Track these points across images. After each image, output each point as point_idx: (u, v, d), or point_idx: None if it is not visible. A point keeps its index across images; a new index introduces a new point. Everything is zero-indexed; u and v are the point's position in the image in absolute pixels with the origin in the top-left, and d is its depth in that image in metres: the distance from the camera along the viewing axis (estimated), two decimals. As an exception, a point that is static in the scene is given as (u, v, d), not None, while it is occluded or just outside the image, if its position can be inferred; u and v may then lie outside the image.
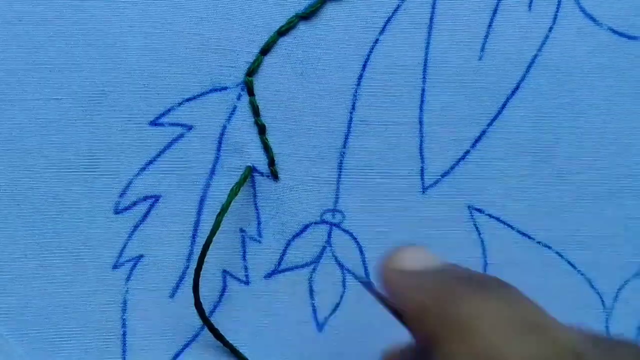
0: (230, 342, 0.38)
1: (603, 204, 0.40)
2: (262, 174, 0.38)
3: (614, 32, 0.38)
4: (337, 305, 0.39)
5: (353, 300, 0.39)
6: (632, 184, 0.40)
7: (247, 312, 0.39)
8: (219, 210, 0.36)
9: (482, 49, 0.38)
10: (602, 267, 0.40)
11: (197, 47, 0.36)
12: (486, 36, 0.38)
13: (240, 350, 0.38)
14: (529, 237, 0.40)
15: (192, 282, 0.37)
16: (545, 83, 0.38)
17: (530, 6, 0.38)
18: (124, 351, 0.38)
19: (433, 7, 0.37)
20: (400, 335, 0.39)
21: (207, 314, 0.38)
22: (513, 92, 0.38)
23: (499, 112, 0.38)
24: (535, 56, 0.38)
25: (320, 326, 0.39)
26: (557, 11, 0.38)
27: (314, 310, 0.39)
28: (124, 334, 0.38)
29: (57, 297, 0.37)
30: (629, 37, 0.39)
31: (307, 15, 0.36)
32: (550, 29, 0.38)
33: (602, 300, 0.41)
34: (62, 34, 0.36)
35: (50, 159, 0.36)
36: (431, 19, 0.37)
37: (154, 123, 0.36)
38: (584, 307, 0.40)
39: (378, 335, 0.39)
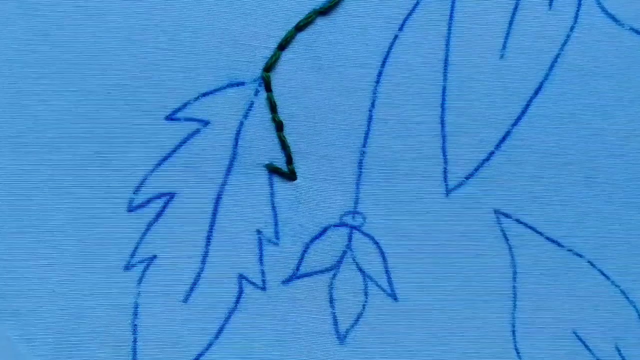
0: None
1: (634, 209, 0.38)
2: (279, 173, 0.37)
3: (636, 32, 0.38)
4: (360, 315, 0.37)
5: (376, 310, 0.37)
6: (665, 189, 0.38)
7: (264, 320, 0.37)
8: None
9: (504, 47, 0.37)
10: (637, 277, 0.38)
11: (215, 41, 0.36)
12: (507, 34, 0.37)
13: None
14: (559, 245, 0.38)
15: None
16: (568, 83, 0.38)
17: (550, 4, 0.38)
18: (134, 359, 0.36)
19: (453, 3, 0.37)
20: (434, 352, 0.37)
21: (222, 321, 0.36)
22: (536, 92, 0.38)
23: (524, 112, 0.37)
24: (558, 55, 0.38)
25: (341, 338, 0.37)
26: (577, 10, 0.38)
27: (335, 321, 0.37)
28: (135, 341, 0.36)
29: (66, 300, 0.36)
30: (653, 37, 0.38)
31: (325, 10, 0.36)
32: (572, 28, 0.38)
33: (639, 313, 0.38)
34: (79, 28, 0.36)
35: (63, 153, 0.36)
36: (451, 15, 0.37)
37: (170, 118, 0.36)
38: (620, 319, 0.38)
39: (406, 352, 0.37)
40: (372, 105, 0.37)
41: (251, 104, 0.36)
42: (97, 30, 0.36)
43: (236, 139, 0.36)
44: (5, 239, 0.36)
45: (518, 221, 0.38)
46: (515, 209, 0.38)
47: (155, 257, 0.36)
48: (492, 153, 0.37)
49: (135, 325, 0.36)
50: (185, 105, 0.36)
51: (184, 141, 0.36)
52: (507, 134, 0.37)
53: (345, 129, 0.37)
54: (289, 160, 0.37)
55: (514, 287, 0.37)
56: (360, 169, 0.37)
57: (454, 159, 0.37)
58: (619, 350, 0.38)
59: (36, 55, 0.36)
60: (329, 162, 0.37)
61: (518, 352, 0.37)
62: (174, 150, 0.36)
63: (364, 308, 0.37)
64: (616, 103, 0.38)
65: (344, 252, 0.37)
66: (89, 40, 0.36)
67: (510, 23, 0.37)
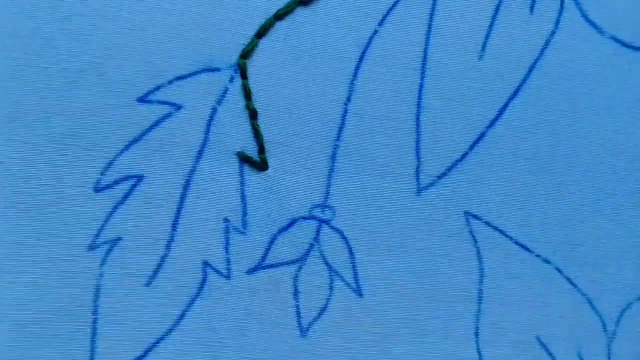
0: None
1: (605, 218, 0.38)
2: (250, 162, 0.36)
3: (616, 40, 0.38)
4: (323, 309, 0.37)
5: (340, 305, 0.37)
6: (637, 198, 0.38)
7: (226, 308, 0.36)
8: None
9: (483, 49, 0.37)
10: (604, 287, 0.38)
11: (192, 25, 0.36)
12: (487, 35, 0.37)
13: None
14: (528, 250, 0.38)
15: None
16: (546, 88, 0.38)
17: (532, 8, 0.37)
18: (93, 340, 0.35)
19: (434, 2, 0.37)
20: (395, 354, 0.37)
21: (184, 307, 0.36)
22: (513, 95, 0.37)
23: (499, 114, 0.37)
24: (537, 60, 0.37)
25: (304, 331, 0.37)
26: (559, 16, 0.38)
27: (298, 313, 0.37)
28: (95, 321, 0.36)
29: (27, 277, 0.35)
30: (631, 47, 0.38)
31: (306, 0, 0.36)
32: (552, 33, 0.38)
33: (604, 323, 0.38)
34: (52, 4, 0.35)
35: (31, 128, 0.35)
36: (431, 13, 0.37)
37: (142, 100, 0.35)
38: (584, 328, 0.38)
39: (367, 349, 0.37)
40: (348, 99, 0.37)
41: (225, 90, 0.36)
42: (71, 8, 0.35)
43: (208, 125, 0.36)
44: (-32, 212, 0.35)
45: (488, 224, 0.38)
46: (486, 211, 0.38)
47: (120, 239, 0.36)
48: (465, 154, 0.37)
49: (96, 306, 0.36)
50: (158, 87, 0.35)
51: (155, 124, 0.35)
52: (482, 135, 0.37)
53: (319, 121, 0.36)
54: (261, 149, 0.36)
55: (479, 289, 0.37)
56: (333, 162, 0.37)
57: (427, 157, 0.37)
58: (581, 358, 0.38)
59: (5, 30, 0.35)
60: (302, 154, 0.37)
61: (480, 355, 0.37)
62: (144, 133, 0.35)
63: (327, 302, 0.37)
64: (592, 111, 0.38)
65: (311, 245, 0.37)
66: (63, 17, 0.35)
67: (491, 25, 0.37)
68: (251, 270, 0.37)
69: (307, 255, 0.37)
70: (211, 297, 0.36)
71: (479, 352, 0.37)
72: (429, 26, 0.37)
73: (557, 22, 0.38)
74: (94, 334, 0.36)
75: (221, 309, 0.36)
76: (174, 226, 0.36)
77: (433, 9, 0.37)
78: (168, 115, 0.36)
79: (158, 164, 0.36)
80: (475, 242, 0.37)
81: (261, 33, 0.36)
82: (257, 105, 0.36)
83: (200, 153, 0.36)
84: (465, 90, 0.37)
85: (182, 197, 0.36)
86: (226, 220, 0.36)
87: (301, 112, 0.36)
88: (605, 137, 0.38)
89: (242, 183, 0.36)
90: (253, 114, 0.36)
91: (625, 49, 0.38)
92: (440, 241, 0.37)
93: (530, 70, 0.37)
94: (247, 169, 0.36)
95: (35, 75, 0.35)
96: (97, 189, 0.35)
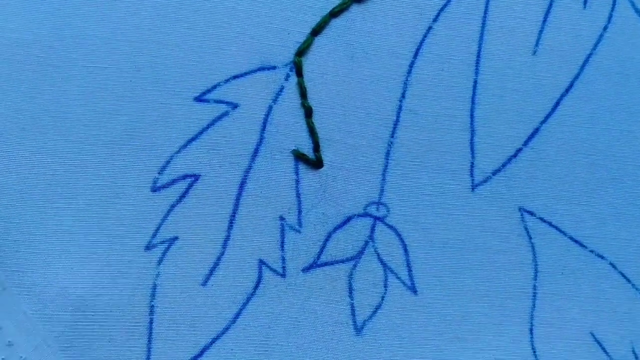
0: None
1: (660, 213, 0.38)
2: (305, 159, 0.36)
3: (671, 35, 0.38)
4: (378, 307, 0.37)
5: (395, 303, 0.37)
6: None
7: (281, 307, 0.36)
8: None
9: (537, 44, 0.37)
10: (658, 282, 0.38)
11: (248, 24, 0.36)
12: (541, 30, 0.37)
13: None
14: (582, 245, 0.38)
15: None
16: (600, 83, 0.37)
17: (585, 3, 0.37)
18: (149, 339, 0.36)
19: (488, -3, 0.37)
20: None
21: (239, 306, 0.36)
22: (567, 90, 0.37)
23: (553, 110, 0.37)
24: (590, 54, 0.37)
25: (358, 329, 0.37)
26: (612, 11, 0.37)
27: (353, 311, 0.37)
28: (151, 321, 0.36)
29: (85, 277, 0.35)
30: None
31: (360, -2, 0.36)
32: (605, 28, 0.37)
33: (658, 319, 0.38)
34: (112, 5, 0.35)
35: (89, 128, 0.35)
36: (485, 9, 0.37)
37: (199, 99, 0.35)
38: (638, 324, 0.38)
39: (421, 346, 0.37)
40: (403, 96, 0.36)
41: (281, 89, 0.36)
42: (130, 7, 0.35)
43: (264, 124, 0.36)
44: (26, 213, 0.35)
45: (542, 219, 0.37)
46: (540, 207, 0.37)
47: (176, 238, 0.36)
48: (519, 150, 0.37)
49: (153, 306, 0.36)
50: (215, 87, 0.35)
51: (211, 123, 0.36)
52: (536, 131, 0.37)
53: (374, 118, 0.36)
54: (316, 147, 0.36)
55: (534, 286, 0.37)
56: (387, 159, 0.37)
57: (481, 153, 0.37)
58: (635, 354, 0.37)
59: (66, 30, 0.35)
60: (356, 151, 0.37)
61: (534, 351, 0.37)
62: (201, 132, 0.35)
63: (382, 300, 0.37)
64: (646, 106, 0.38)
65: (366, 243, 0.37)
66: (121, 16, 0.35)
67: (544, 20, 0.37)
68: (306, 269, 0.37)
69: (362, 253, 0.37)
70: (267, 295, 0.36)
71: (533, 348, 0.37)
72: (483, 22, 0.37)
73: (610, 16, 0.37)
74: (150, 333, 0.36)
75: (277, 307, 0.36)
76: (230, 225, 0.36)
77: (487, 4, 0.37)
78: (225, 114, 0.36)
79: (214, 163, 0.36)
80: (530, 238, 0.37)
81: (317, 31, 0.36)
82: (312, 102, 0.36)
83: (256, 151, 0.36)
84: (519, 86, 0.37)
85: (238, 196, 0.36)
86: (282, 218, 0.36)
87: (356, 110, 0.36)
88: (658, 131, 0.38)
89: (297, 181, 0.36)
90: (308, 112, 0.36)
91: (678, 42, 0.38)
92: (494, 237, 0.37)
93: (584, 65, 0.37)
94: (302, 166, 0.36)
95: (93, 75, 0.35)
96: (154, 189, 0.35)
